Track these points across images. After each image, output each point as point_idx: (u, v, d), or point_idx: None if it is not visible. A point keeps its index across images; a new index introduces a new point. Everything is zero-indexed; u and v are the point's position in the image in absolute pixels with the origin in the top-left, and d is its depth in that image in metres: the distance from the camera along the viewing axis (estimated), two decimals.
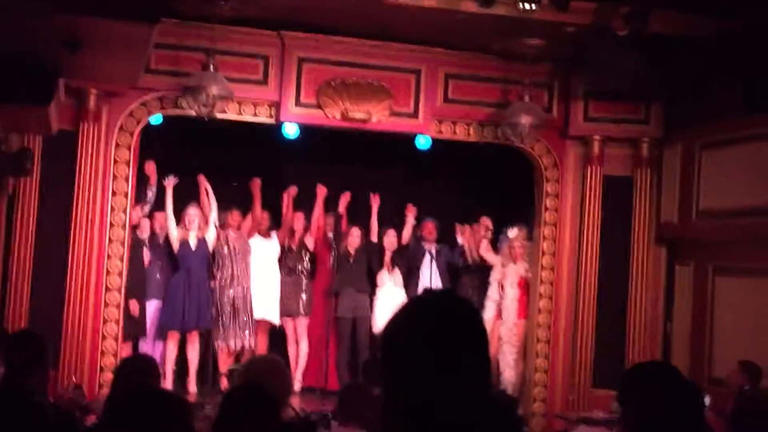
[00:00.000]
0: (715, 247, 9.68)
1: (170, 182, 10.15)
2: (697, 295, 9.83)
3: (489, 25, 9.17)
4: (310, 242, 10.78)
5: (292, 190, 10.79)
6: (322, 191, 10.80)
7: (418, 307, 2.21)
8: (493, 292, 10.80)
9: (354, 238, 10.78)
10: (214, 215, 10.31)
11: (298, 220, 10.78)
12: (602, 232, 10.45)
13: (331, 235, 10.77)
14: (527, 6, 8.43)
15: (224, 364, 10.25)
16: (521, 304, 10.70)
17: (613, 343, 10.26)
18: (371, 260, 10.87)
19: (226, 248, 10.29)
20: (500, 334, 10.54)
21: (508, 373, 10.54)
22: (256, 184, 10.46)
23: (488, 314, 10.60)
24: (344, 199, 10.87)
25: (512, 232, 10.81)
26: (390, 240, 10.90)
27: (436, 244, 11.05)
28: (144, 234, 10.29)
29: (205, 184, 10.33)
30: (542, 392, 10.52)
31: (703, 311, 9.69)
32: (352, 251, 10.77)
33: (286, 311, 10.61)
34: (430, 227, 11.05)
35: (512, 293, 10.66)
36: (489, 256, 10.88)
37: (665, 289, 10.42)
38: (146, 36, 5.79)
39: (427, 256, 10.93)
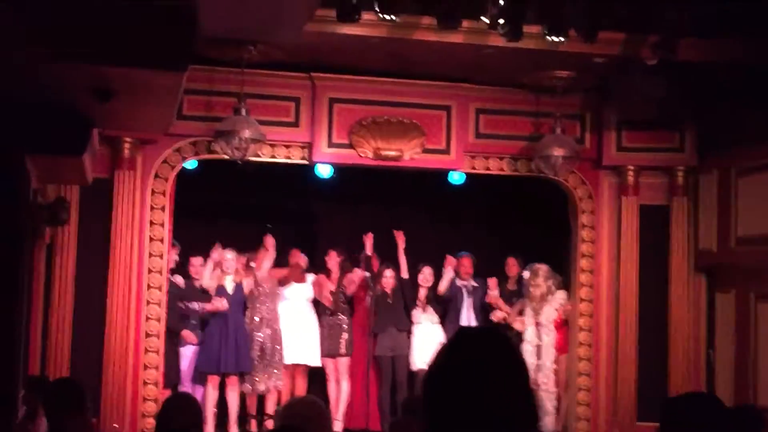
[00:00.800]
0: (756, 274, 9.56)
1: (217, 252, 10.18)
2: (739, 323, 9.70)
3: (517, 59, 9.19)
4: (350, 285, 10.74)
5: (333, 257, 10.75)
6: (368, 240, 10.74)
7: (456, 346, 2.20)
8: (529, 335, 10.58)
9: (388, 279, 10.72)
10: (267, 264, 10.33)
11: (333, 259, 10.76)
12: (640, 262, 10.36)
13: (367, 274, 10.72)
14: (555, 38, 8.42)
15: (253, 407, 10.25)
16: (559, 342, 10.54)
17: (655, 375, 10.13)
18: (406, 297, 10.82)
19: (255, 290, 10.30)
20: (537, 381, 10.26)
21: (548, 419, 10.33)
22: (270, 240, 10.33)
23: (528, 359, 10.38)
24: (369, 241, 10.76)
25: (526, 273, 10.69)
26: (425, 277, 10.84)
27: (473, 279, 10.99)
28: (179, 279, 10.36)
29: (269, 246, 10.32)
30: (585, 426, 10.39)
31: (746, 339, 9.55)
32: (389, 291, 10.74)
33: (327, 352, 10.57)
34: (466, 264, 10.99)
35: (548, 339, 10.48)
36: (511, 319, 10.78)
37: (706, 318, 10.29)
38: (176, 84, 5.86)
39: (464, 292, 10.87)
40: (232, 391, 10.16)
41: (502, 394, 2.09)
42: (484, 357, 2.13)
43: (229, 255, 10.26)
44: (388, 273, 10.75)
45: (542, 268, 10.62)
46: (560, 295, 10.63)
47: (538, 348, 10.48)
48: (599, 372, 10.43)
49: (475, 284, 10.95)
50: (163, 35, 5.26)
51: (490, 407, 2.07)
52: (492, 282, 10.81)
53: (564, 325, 10.62)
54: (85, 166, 7.08)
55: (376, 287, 10.66)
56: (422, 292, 10.80)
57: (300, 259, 10.66)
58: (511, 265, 11.02)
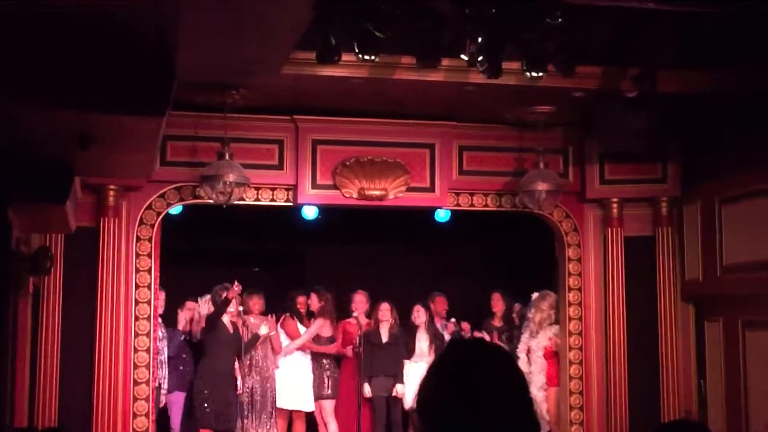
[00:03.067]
0: (743, 302, 9.56)
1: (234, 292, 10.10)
2: (728, 352, 9.68)
3: (498, 95, 9.25)
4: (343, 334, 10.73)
5: (315, 300, 10.72)
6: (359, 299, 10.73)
7: (449, 354, 2.18)
8: (521, 365, 10.63)
9: (384, 324, 10.70)
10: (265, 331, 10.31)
11: (316, 301, 10.73)
12: (627, 293, 10.37)
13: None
14: (534, 74, 8.46)
15: None
16: (549, 375, 10.55)
17: (647, 406, 10.10)
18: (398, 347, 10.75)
19: (246, 335, 10.25)
20: None
21: None
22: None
23: None
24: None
25: (535, 295, 10.75)
26: (418, 316, 10.82)
27: (448, 320, 11.04)
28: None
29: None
30: None
31: (736, 367, 9.53)
32: (384, 338, 10.69)
33: (314, 395, 10.55)
34: (440, 303, 11.01)
35: (536, 366, 10.52)
36: None
37: (696, 347, 10.28)
38: (156, 128, 5.87)
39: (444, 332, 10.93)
40: None
41: (498, 397, 2.06)
42: (477, 362, 2.10)
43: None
44: (384, 316, 10.68)
45: (551, 295, 10.72)
46: (555, 329, 10.64)
47: (530, 375, 10.50)
48: (591, 405, 10.40)
49: (446, 325, 10.99)
50: (142, 80, 5.29)
51: (486, 410, 2.04)
52: (465, 326, 10.86)
53: (554, 356, 10.61)
54: (67, 214, 7.07)
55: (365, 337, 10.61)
56: (422, 328, 10.76)
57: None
58: (496, 300, 11.05)
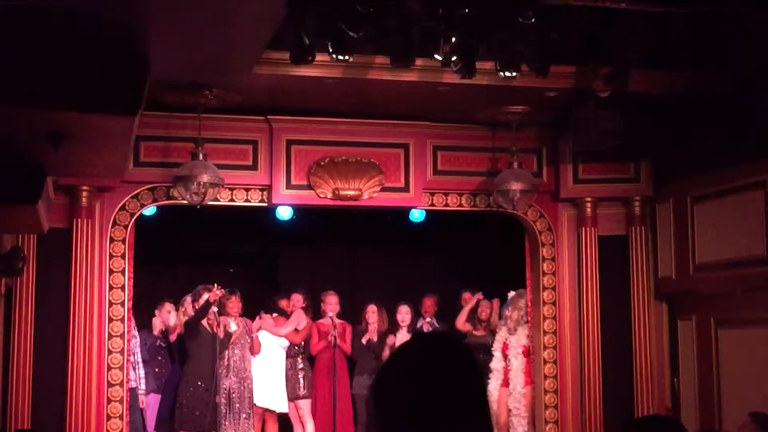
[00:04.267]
0: (715, 300, 9.64)
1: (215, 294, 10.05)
2: (701, 349, 9.76)
3: (472, 95, 9.27)
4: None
5: (296, 300, 10.73)
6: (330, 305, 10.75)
7: (410, 345, 2.18)
8: (496, 362, 10.70)
9: (372, 325, 10.75)
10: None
11: (298, 302, 10.74)
12: (601, 292, 10.42)
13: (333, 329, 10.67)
14: (507, 74, 8.50)
15: None
16: (527, 373, 10.61)
17: (621, 404, 10.15)
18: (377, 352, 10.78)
19: (223, 336, 10.22)
20: (509, 405, 10.43)
21: None
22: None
23: (493, 384, 10.52)
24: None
25: (512, 293, 10.79)
26: (402, 317, 10.86)
27: (436, 319, 11.04)
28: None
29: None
30: None
31: (709, 364, 9.61)
32: (374, 337, 10.73)
33: (287, 395, 10.54)
34: (428, 303, 11.05)
35: (517, 363, 10.58)
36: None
37: (669, 345, 10.36)
38: (128, 128, 5.85)
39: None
40: None
41: (452, 392, 2.05)
42: (436, 354, 2.10)
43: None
44: (372, 318, 10.74)
45: (521, 298, 10.75)
46: (526, 328, 10.68)
47: (506, 372, 10.51)
48: (565, 403, 10.45)
49: (437, 325, 11.00)
50: (114, 79, 5.27)
51: (437, 404, 2.03)
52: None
53: (527, 356, 10.65)
54: (40, 215, 7.03)
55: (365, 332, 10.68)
56: (404, 328, 10.79)
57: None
58: (467, 299, 11.09)
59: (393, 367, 2.13)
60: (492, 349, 10.72)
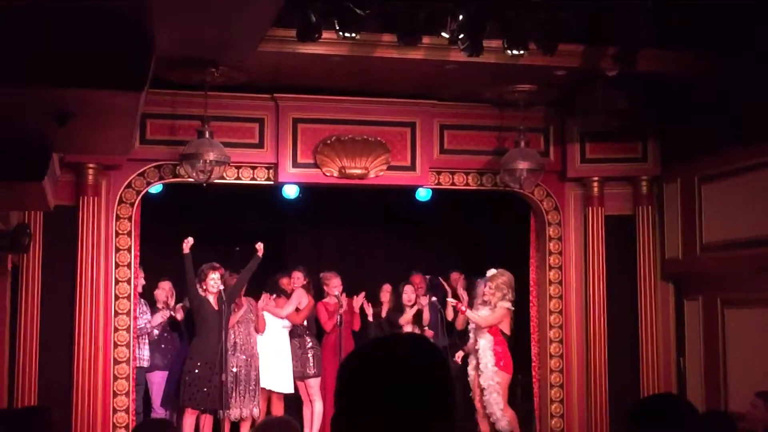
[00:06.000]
0: (722, 280, 9.62)
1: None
2: (707, 329, 9.75)
3: (479, 74, 9.24)
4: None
5: (296, 278, 10.69)
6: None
7: (377, 350, 2.12)
8: (470, 343, 10.22)
9: (387, 304, 10.74)
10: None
11: (299, 279, 10.72)
12: (608, 272, 10.40)
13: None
14: (515, 52, 8.45)
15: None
16: (497, 354, 9.88)
17: (627, 384, 10.15)
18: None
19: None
20: (480, 384, 9.87)
21: (501, 423, 10.04)
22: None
23: (471, 366, 10.20)
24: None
25: (492, 271, 10.17)
26: (408, 297, 10.73)
27: (429, 296, 10.88)
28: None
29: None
30: None
31: (715, 345, 9.60)
32: (383, 315, 10.72)
33: (296, 375, 10.52)
34: (417, 282, 10.92)
35: (483, 342, 9.90)
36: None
37: (675, 325, 10.35)
38: (134, 104, 5.82)
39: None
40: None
41: (418, 379, 2.02)
42: (409, 347, 2.07)
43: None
44: (385, 297, 10.73)
45: (506, 274, 10.07)
46: (507, 304, 10.03)
47: (476, 353, 9.99)
48: (571, 383, 10.45)
49: (431, 302, 10.76)
50: (119, 55, 5.24)
51: (404, 389, 2.00)
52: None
53: (498, 335, 9.96)
54: (45, 192, 7.01)
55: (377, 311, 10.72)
56: (408, 313, 10.67)
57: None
58: (455, 280, 10.98)
59: (366, 352, 2.10)
60: (468, 328, 10.41)
